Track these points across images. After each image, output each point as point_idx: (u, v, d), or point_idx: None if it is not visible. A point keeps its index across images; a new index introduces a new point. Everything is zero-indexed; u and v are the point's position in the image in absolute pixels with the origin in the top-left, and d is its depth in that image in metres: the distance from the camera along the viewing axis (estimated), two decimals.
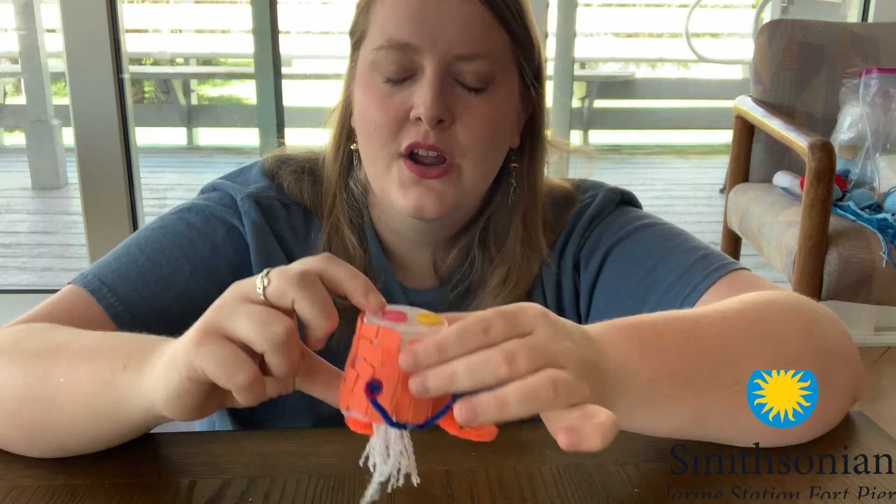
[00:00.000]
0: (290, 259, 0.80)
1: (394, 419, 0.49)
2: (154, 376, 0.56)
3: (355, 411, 0.50)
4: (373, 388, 0.49)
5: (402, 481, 0.51)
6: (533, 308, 0.51)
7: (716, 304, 0.66)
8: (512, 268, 0.82)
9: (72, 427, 0.62)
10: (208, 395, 0.54)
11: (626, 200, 0.87)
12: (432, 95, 0.72)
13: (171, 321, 0.74)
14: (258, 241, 0.80)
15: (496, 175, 0.81)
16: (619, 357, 0.55)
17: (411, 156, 0.75)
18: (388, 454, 0.51)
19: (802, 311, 0.68)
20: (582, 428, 0.47)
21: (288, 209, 0.83)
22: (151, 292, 0.75)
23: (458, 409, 0.48)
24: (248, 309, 0.52)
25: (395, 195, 0.75)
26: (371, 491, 0.51)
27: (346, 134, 0.83)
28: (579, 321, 0.82)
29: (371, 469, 0.51)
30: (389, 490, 0.51)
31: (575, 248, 0.84)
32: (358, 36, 0.78)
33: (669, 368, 0.58)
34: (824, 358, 0.64)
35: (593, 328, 0.57)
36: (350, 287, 0.54)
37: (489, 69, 0.74)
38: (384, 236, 0.84)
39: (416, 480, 0.51)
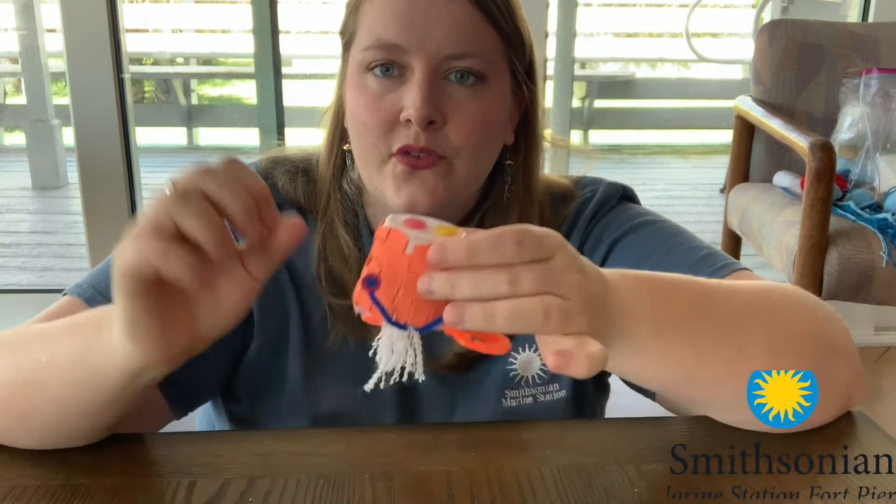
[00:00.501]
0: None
1: (393, 318, 0.51)
2: (114, 320, 0.56)
3: (360, 306, 0.51)
4: (369, 282, 0.50)
5: (405, 377, 0.53)
6: (555, 235, 0.52)
7: (727, 281, 0.67)
8: None
9: (59, 405, 0.62)
10: (167, 309, 0.54)
11: (627, 196, 0.88)
12: (421, 97, 0.72)
13: None
14: None
15: (491, 172, 0.81)
16: (627, 301, 0.56)
17: (402, 154, 0.75)
18: (392, 351, 0.52)
19: (808, 303, 0.69)
20: (571, 354, 0.49)
21: (281, 208, 0.83)
22: None
23: (447, 311, 0.49)
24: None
25: (389, 192, 0.75)
26: (373, 380, 0.53)
27: (339, 135, 0.83)
28: None
29: (377, 362, 0.53)
30: (392, 381, 0.53)
31: (578, 241, 0.84)
32: (348, 37, 0.79)
33: (675, 322, 0.58)
34: (825, 349, 0.65)
35: (607, 271, 0.57)
36: (231, 212, 0.53)
37: (479, 68, 0.74)
38: None
39: (420, 377, 0.53)
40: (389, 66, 0.74)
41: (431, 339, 0.81)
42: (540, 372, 0.82)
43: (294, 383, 0.81)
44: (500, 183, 0.83)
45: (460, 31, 0.73)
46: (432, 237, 0.51)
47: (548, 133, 0.86)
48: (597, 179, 0.88)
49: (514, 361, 0.82)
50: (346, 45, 0.79)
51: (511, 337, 0.52)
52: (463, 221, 0.83)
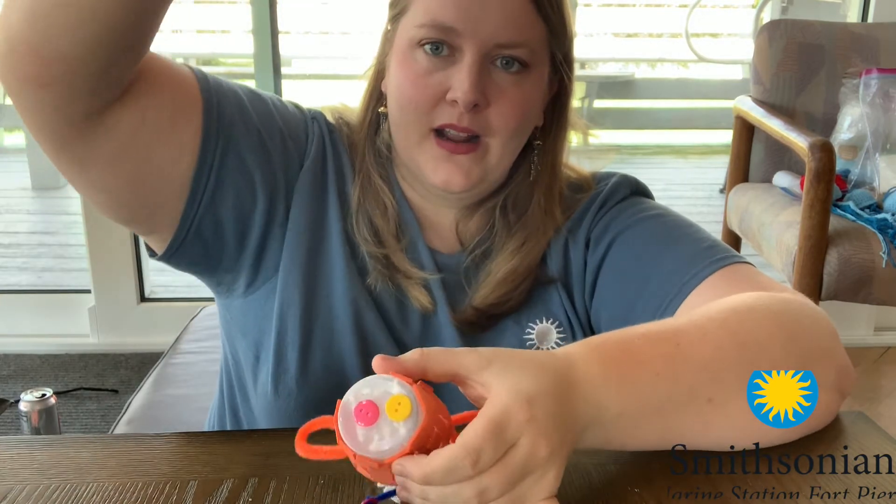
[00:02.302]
0: (340, 175, 0.85)
1: None
2: None
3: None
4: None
5: None
6: (519, 412, 0.52)
7: (699, 313, 0.66)
8: (529, 234, 0.85)
9: None
10: None
11: (639, 191, 0.89)
12: (470, 81, 0.75)
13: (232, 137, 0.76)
14: (320, 144, 0.84)
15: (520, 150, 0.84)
16: (594, 396, 0.57)
17: (441, 132, 0.78)
18: None
19: (786, 314, 0.67)
20: None
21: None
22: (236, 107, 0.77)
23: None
24: None
25: (427, 170, 0.79)
26: None
27: (376, 96, 0.86)
28: (583, 293, 0.85)
29: None
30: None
31: (587, 227, 0.86)
32: (399, 9, 0.80)
33: (641, 401, 0.59)
34: (806, 363, 0.63)
35: (575, 358, 0.58)
36: None
37: (525, 57, 0.77)
38: (408, 195, 0.87)
39: None
40: (440, 46, 0.77)
41: (453, 292, 0.84)
42: (556, 344, 0.84)
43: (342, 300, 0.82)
44: (528, 160, 0.86)
45: (513, 21, 0.76)
46: (391, 439, 0.51)
47: (578, 120, 0.88)
48: (612, 173, 0.90)
49: (532, 331, 0.84)
50: (397, 17, 0.81)
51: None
52: (490, 194, 0.86)
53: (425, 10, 0.76)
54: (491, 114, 0.77)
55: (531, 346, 0.84)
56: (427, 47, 0.77)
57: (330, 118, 0.88)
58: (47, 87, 0.61)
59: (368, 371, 0.80)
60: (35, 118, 0.65)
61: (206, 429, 0.99)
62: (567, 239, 0.86)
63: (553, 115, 0.86)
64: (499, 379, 0.53)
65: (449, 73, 0.76)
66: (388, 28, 0.83)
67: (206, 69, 0.80)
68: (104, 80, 0.63)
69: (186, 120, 0.73)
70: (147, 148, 0.70)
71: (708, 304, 0.68)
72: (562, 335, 0.84)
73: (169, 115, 0.71)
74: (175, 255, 0.79)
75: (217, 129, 0.74)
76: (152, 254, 0.80)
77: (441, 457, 0.50)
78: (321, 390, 0.80)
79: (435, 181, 0.79)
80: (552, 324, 0.84)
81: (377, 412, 0.51)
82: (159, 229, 0.77)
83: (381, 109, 0.85)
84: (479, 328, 0.84)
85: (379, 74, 0.85)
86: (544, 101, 0.84)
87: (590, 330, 0.85)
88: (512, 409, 0.51)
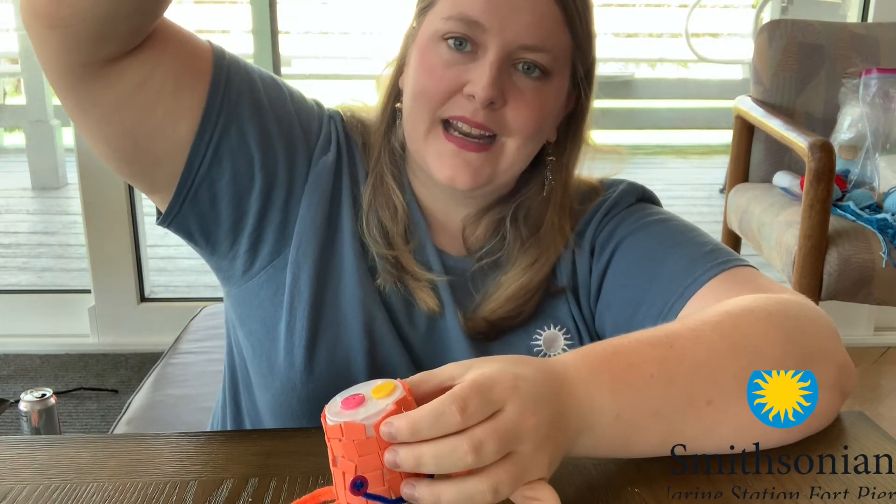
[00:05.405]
0: (354, 176, 0.85)
1: (393, 497, 0.51)
2: None
3: None
4: (357, 485, 0.50)
5: None
6: (503, 380, 0.52)
7: (693, 317, 0.66)
8: (542, 251, 0.85)
9: None
10: None
11: (646, 198, 0.89)
12: (489, 78, 0.75)
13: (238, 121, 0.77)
14: (337, 145, 0.84)
15: (530, 163, 0.84)
16: (586, 397, 0.57)
17: (450, 124, 0.77)
18: None
19: (783, 314, 0.67)
20: None
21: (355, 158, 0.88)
22: (249, 90, 0.78)
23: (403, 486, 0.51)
24: None
25: (433, 163, 0.79)
26: None
27: (394, 93, 0.86)
28: (589, 299, 0.85)
29: None
30: None
31: (592, 234, 0.86)
32: (429, 1, 0.80)
33: (637, 403, 0.59)
34: (804, 363, 0.63)
35: (566, 361, 0.58)
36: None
37: (548, 63, 0.77)
38: (419, 195, 0.87)
39: None
40: (464, 41, 0.77)
41: (460, 295, 0.84)
42: (563, 349, 0.84)
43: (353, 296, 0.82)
44: (540, 175, 0.86)
45: (539, 25, 0.76)
46: (377, 407, 0.51)
47: (591, 137, 0.88)
48: (620, 180, 0.90)
49: (539, 337, 0.84)
50: (424, 10, 0.81)
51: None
52: (498, 203, 0.86)
53: (454, 3, 0.77)
54: (507, 113, 0.77)
55: (538, 352, 0.84)
56: (451, 41, 0.77)
57: (344, 118, 0.88)
58: (55, 28, 0.64)
59: (374, 369, 0.81)
60: (44, 57, 0.68)
61: (209, 426, 0.99)
62: (574, 247, 0.86)
63: (567, 133, 0.86)
64: (483, 366, 0.54)
65: (469, 67, 0.76)
66: (414, 25, 0.83)
67: None
68: (109, 34, 0.65)
69: (191, 87, 0.74)
70: (146, 107, 0.72)
71: (704, 308, 0.68)
72: (569, 341, 0.84)
73: (174, 80, 0.73)
74: (174, 221, 0.80)
75: (222, 101, 0.75)
76: (158, 216, 0.82)
77: (428, 405, 0.50)
78: (324, 388, 0.80)
79: (440, 177, 0.78)
80: (559, 330, 0.84)
81: (363, 399, 0.52)
82: (158, 190, 0.79)
83: (398, 105, 0.85)
84: (489, 337, 0.84)
85: (399, 71, 0.85)
86: (560, 115, 0.84)
87: (596, 336, 0.85)
88: (496, 377, 0.52)
